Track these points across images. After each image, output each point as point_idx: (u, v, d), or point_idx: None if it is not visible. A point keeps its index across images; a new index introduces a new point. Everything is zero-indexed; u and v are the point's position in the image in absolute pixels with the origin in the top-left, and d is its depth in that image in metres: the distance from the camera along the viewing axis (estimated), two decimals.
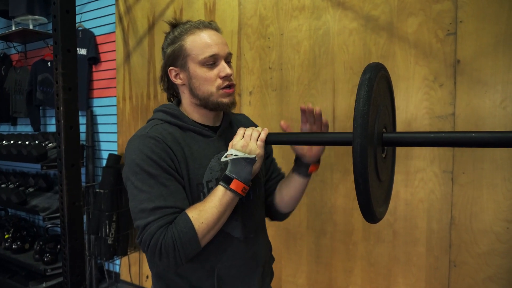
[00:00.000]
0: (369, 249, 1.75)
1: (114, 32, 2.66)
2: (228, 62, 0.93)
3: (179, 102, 1.00)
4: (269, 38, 1.97)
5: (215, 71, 0.89)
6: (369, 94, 0.62)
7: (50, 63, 3.03)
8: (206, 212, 0.81)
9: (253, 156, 0.83)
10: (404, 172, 1.65)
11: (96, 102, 2.85)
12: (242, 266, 0.94)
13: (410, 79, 1.61)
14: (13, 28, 3.00)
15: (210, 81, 0.89)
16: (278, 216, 1.12)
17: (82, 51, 2.80)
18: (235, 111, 1.10)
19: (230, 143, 0.87)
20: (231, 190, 0.82)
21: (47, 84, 3.04)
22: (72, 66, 1.27)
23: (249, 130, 0.86)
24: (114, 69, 2.69)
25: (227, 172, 0.84)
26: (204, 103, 0.92)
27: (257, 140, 0.85)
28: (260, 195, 1.03)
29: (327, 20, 1.79)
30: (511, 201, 1.45)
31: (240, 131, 0.87)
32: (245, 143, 0.84)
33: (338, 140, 0.78)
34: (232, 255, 0.92)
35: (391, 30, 1.64)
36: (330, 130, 1.77)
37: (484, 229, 1.50)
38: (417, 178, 1.63)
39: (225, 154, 0.84)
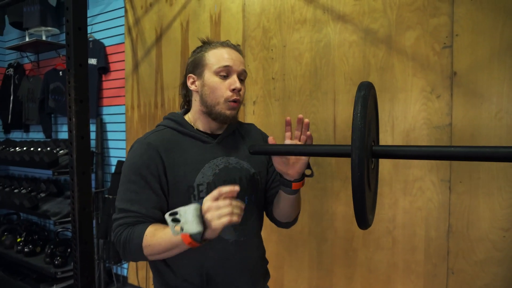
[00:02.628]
0: (368, 256, 1.79)
1: (123, 43, 2.76)
2: (241, 80, 1.01)
3: (185, 112, 1.09)
4: (272, 49, 2.04)
5: (226, 83, 0.97)
6: (364, 110, 0.68)
7: (62, 73, 3.14)
8: (157, 239, 0.86)
9: (191, 232, 0.76)
10: (403, 181, 1.69)
11: (105, 110, 2.94)
12: (231, 267, 1.00)
13: (408, 90, 1.66)
14: (27, 39, 3.12)
15: (220, 90, 0.97)
16: (281, 225, 1.17)
17: (92, 61, 2.90)
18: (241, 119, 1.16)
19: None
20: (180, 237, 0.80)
21: (59, 92, 3.15)
22: (84, 79, 1.35)
23: (223, 202, 0.78)
24: (123, 78, 2.78)
25: (182, 218, 0.79)
26: (209, 111, 1.00)
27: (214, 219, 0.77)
28: (256, 201, 1.09)
29: (328, 32, 1.85)
30: (507, 210, 1.48)
31: (217, 203, 0.79)
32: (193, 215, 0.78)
33: (337, 152, 0.83)
34: (221, 255, 0.98)
35: (389, 43, 1.69)
36: (331, 140, 1.84)
37: (481, 237, 1.53)
38: (415, 186, 1.67)
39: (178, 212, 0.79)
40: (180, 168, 0.96)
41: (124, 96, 2.78)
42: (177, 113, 1.07)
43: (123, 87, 2.78)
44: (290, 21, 1.97)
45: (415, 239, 1.68)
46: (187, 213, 0.77)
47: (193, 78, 1.02)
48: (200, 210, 0.78)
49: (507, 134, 1.46)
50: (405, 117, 1.67)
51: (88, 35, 2.94)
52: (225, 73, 0.97)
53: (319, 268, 1.94)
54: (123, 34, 2.76)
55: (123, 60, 2.77)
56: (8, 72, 3.68)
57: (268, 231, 2.12)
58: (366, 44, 1.75)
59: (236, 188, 0.79)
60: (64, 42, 3.18)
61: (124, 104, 2.78)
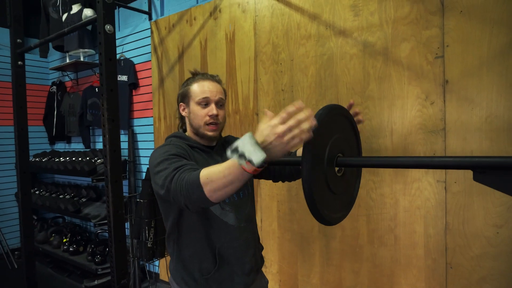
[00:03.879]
0: (373, 252, 1.93)
1: (150, 60, 3.04)
2: (220, 105, 1.25)
3: (184, 131, 1.34)
4: (281, 63, 2.23)
5: (205, 110, 1.23)
6: (316, 128, 0.85)
7: (98, 89, 3.48)
8: (214, 172, 0.87)
9: (259, 161, 0.76)
10: (402, 182, 1.82)
11: (136, 122, 3.24)
12: (237, 247, 1.22)
13: (404, 98, 1.79)
14: (67, 61, 3.50)
15: (200, 117, 1.23)
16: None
17: (123, 78, 3.22)
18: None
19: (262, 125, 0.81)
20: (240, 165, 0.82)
21: (96, 107, 3.49)
22: (114, 102, 1.60)
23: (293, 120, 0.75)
24: (151, 93, 3.06)
25: (243, 149, 0.79)
26: (197, 132, 1.26)
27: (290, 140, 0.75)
28: (249, 193, 1.33)
29: (330, 47, 2.01)
30: (500, 208, 1.57)
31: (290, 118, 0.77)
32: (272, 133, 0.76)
33: (292, 162, 1.00)
34: (229, 238, 1.21)
35: (386, 54, 1.83)
36: None
37: (476, 233, 1.63)
38: (413, 187, 1.79)
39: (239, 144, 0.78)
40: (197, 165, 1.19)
41: (152, 109, 3.06)
42: (180, 132, 1.33)
43: (151, 100, 3.06)
44: (297, 37, 2.14)
45: (415, 236, 1.80)
46: (246, 144, 0.76)
47: (184, 106, 1.29)
48: (253, 137, 0.77)
49: (497, 137, 1.56)
50: (403, 122, 1.80)
51: (120, 54, 3.27)
52: (205, 102, 1.22)
53: (329, 263, 2.09)
54: (150, 52, 3.05)
55: (150, 76, 3.05)
56: (51, 89, 4.11)
57: (282, 231, 2.30)
58: (365, 56, 1.90)
59: (301, 104, 0.77)
60: (97, 61, 3.51)
61: (152, 116, 3.07)
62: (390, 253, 1.88)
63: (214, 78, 1.28)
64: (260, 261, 1.36)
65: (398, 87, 1.80)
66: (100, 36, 1.57)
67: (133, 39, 3.22)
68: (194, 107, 1.23)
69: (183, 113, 1.29)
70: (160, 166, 1.07)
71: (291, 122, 0.75)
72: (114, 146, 1.61)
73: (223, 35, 2.51)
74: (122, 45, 3.30)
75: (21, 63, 2.21)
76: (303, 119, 0.75)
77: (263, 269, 2.38)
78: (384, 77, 1.84)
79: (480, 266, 1.63)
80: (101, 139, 3.72)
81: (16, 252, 3.94)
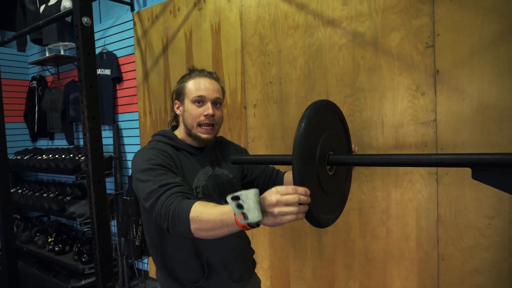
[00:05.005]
0: (366, 246, 1.91)
1: (134, 53, 2.94)
2: (217, 105, 1.17)
3: (173, 128, 1.25)
4: (268, 55, 2.16)
5: (200, 110, 1.14)
6: (306, 127, 0.80)
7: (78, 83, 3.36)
8: (207, 214, 0.84)
9: (253, 221, 0.74)
10: (394, 174, 1.79)
11: (121, 117, 3.15)
12: (226, 255, 1.17)
13: (395, 89, 1.75)
14: (47, 54, 3.36)
15: (195, 116, 1.14)
16: None
17: (106, 72, 3.11)
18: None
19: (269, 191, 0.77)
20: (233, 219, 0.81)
21: (78, 102, 3.37)
22: (95, 98, 1.52)
23: (294, 198, 0.73)
24: (135, 87, 2.97)
25: (244, 202, 0.75)
26: (190, 132, 1.17)
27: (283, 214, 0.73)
28: None
29: (319, 37, 1.96)
30: (492, 199, 1.56)
31: (289, 191, 0.74)
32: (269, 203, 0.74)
33: (282, 161, 0.96)
34: (217, 246, 1.15)
35: (376, 44, 1.79)
36: None
37: (468, 225, 1.62)
38: (405, 179, 1.77)
39: (241, 195, 0.75)
40: (182, 171, 1.13)
41: (136, 103, 2.97)
42: (167, 130, 1.23)
43: (135, 95, 2.97)
44: (284, 27, 2.08)
45: (407, 229, 1.78)
46: (248, 199, 0.73)
47: (178, 104, 1.20)
48: (259, 195, 0.74)
49: (488, 127, 1.54)
50: (394, 114, 1.77)
51: (102, 47, 3.15)
52: (200, 100, 1.14)
53: (321, 258, 2.07)
54: (133, 45, 2.94)
55: (134, 70, 2.95)
56: (32, 84, 3.96)
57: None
58: (354, 47, 1.85)
59: (308, 191, 0.76)
60: None
61: (137, 111, 2.98)
62: (383, 246, 1.86)
63: (211, 76, 1.19)
64: (252, 265, 1.32)
65: (388, 78, 1.77)
66: (76, 29, 1.48)
67: (115, 31, 3.10)
68: (188, 105, 1.15)
69: (177, 111, 1.20)
70: (144, 175, 1.01)
71: (290, 198, 0.73)
72: (96, 145, 1.53)
73: (208, 26, 2.43)
74: (104, 37, 3.18)
75: None
76: (304, 201, 0.75)
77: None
78: (374, 68, 1.80)
79: (472, 257, 1.63)
80: None
81: None
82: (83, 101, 1.49)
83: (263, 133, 2.23)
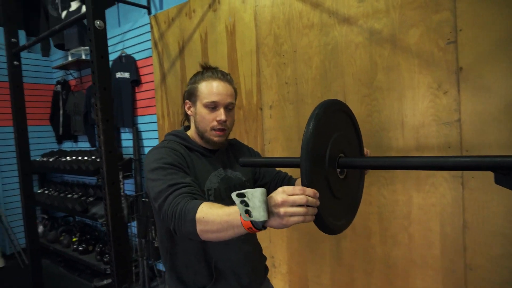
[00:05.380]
0: (386, 252, 1.83)
1: (151, 56, 2.97)
2: (229, 109, 1.14)
3: (186, 129, 1.23)
4: (283, 55, 2.12)
5: (213, 115, 1.11)
6: (314, 127, 0.76)
7: None
8: (213, 214, 0.82)
9: (257, 220, 0.71)
10: (416, 177, 1.71)
11: (140, 119, 3.19)
12: (235, 261, 1.13)
13: (415, 88, 1.67)
14: (69, 59, 3.45)
15: (207, 121, 1.12)
16: None
17: (125, 75, 3.15)
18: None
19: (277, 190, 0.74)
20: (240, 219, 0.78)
21: None
22: (108, 101, 1.53)
23: (302, 199, 0.69)
24: (153, 89, 2.99)
25: (249, 200, 0.73)
26: (202, 135, 1.15)
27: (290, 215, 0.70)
28: None
29: (334, 36, 1.90)
30: None
31: (296, 191, 0.71)
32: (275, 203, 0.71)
33: (291, 163, 0.91)
34: (227, 251, 1.12)
35: (394, 42, 1.71)
36: None
37: (497, 232, 1.52)
38: (428, 183, 1.68)
39: (247, 193, 0.72)
40: (194, 172, 1.11)
41: (155, 106, 2.99)
42: (180, 130, 1.21)
43: (154, 97, 3.00)
44: (299, 27, 2.03)
45: (431, 235, 1.69)
46: (254, 197, 0.71)
47: (189, 104, 1.17)
48: (266, 195, 0.72)
49: None
50: (414, 114, 1.68)
51: (121, 50, 3.20)
52: (212, 106, 1.11)
53: (340, 263, 2.01)
54: (150, 48, 2.97)
55: (152, 73, 2.98)
56: (56, 88, 4.08)
57: (290, 230, 2.22)
58: (371, 45, 1.78)
59: (317, 193, 0.72)
60: None
61: (155, 113, 3.00)
62: (404, 253, 1.78)
63: (225, 77, 1.15)
64: (264, 272, 1.28)
65: (407, 76, 1.68)
66: (90, 32, 1.49)
67: (133, 34, 3.15)
68: (201, 109, 1.12)
69: (189, 112, 1.18)
70: (155, 174, 1.00)
71: (297, 199, 0.69)
72: (110, 147, 1.54)
73: (223, 28, 2.41)
74: (123, 41, 3.23)
75: (17, 63, 2.16)
76: (313, 203, 0.71)
77: (273, 269, 2.31)
78: (392, 66, 1.72)
79: (502, 267, 1.52)
80: None
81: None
82: (97, 104, 1.50)
83: (280, 135, 2.19)
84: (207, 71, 1.16)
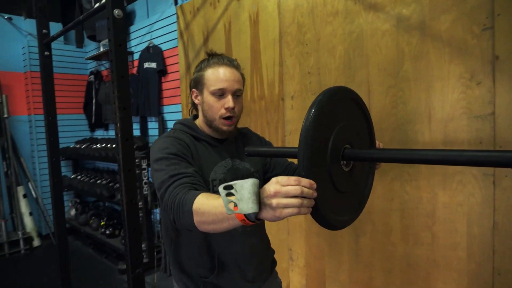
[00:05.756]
0: (407, 251, 1.74)
1: (177, 46, 2.99)
2: (237, 96, 1.10)
3: (195, 118, 1.20)
4: (307, 44, 2.05)
5: (221, 102, 1.08)
6: (316, 114, 0.71)
7: (130, 77, 3.51)
8: (209, 206, 0.80)
9: (244, 212, 0.67)
10: (442, 174, 1.60)
11: (166, 109, 3.23)
12: (240, 254, 1.11)
13: (445, 78, 1.55)
14: (101, 50, 3.55)
15: (215, 109, 1.09)
16: None
17: (153, 65, 3.20)
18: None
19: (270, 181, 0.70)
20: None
21: None
22: (125, 89, 1.54)
23: (296, 190, 0.65)
24: (179, 79, 3.02)
25: (237, 192, 0.70)
26: (210, 124, 1.12)
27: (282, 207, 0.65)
28: None
29: (360, 23, 1.81)
30: None
31: (291, 181, 0.66)
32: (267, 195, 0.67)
33: (287, 154, 0.87)
34: (231, 244, 1.10)
35: (423, 29, 1.60)
36: None
37: None
38: (455, 180, 1.57)
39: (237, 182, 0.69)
40: (199, 162, 1.09)
41: (180, 95, 3.02)
42: (188, 119, 1.19)
43: (179, 87, 3.02)
44: (323, 15, 1.95)
45: (457, 236, 1.59)
46: (244, 189, 0.67)
47: (196, 93, 1.15)
48: (258, 186, 0.69)
49: None
50: (443, 106, 1.57)
51: (149, 41, 3.25)
52: (220, 93, 1.07)
53: (358, 260, 1.94)
54: (176, 38, 2.99)
55: (178, 63, 3.00)
56: (90, 78, 4.23)
57: (309, 223, 2.17)
58: (399, 32, 1.67)
59: (314, 184, 0.68)
60: (130, 50, 3.54)
61: (180, 103, 3.03)
62: (427, 253, 1.68)
63: (232, 63, 1.12)
64: (270, 266, 1.25)
65: (437, 66, 1.57)
66: (109, 21, 1.50)
67: (160, 25, 3.18)
68: (208, 97, 1.09)
69: (196, 101, 1.16)
70: (158, 164, 0.99)
71: (291, 189, 0.64)
72: (126, 135, 1.56)
73: (247, 17, 2.37)
74: (151, 32, 3.27)
75: (48, 53, 2.24)
76: (309, 195, 0.66)
77: (290, 262, 2.28)
78: (420, 55, 1.62)
79: None
80: (136, 126, 3.79)
81: None
82: (114, 92, 1.52)
83: (301, 126, 2.13)
84: (213, 57, 1.12)
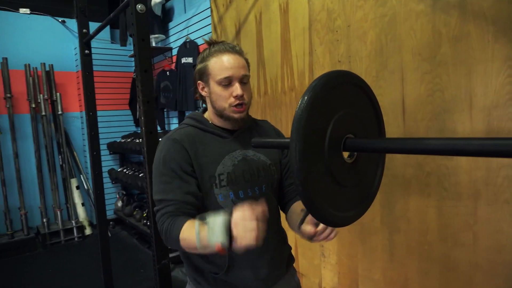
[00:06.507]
0: (446, 252, 1.60)
1: None
2: (244, 83, 1.07)
3: (205, 110, 1.18)
4: (337, 31, 1.95)
5: (229, 90, 1.05)
6: (309, 100, 0.65)
7: (169, 72, 3.61)
8: (192, 236, 0.88)
9: (211, 242, 0.81)
10: (485, 168, 1.44)
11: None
12: (251, 251, 1.06)
13: (488, 61, 1.39)
14: None
15: (224, 98, 1.06)
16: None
17: (189, 60, 3.26)
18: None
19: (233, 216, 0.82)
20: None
21: (167, 90, 3.64)
22: (149, 83, 1.57)
23: (250, 224, 0.78)
24: None
25: (210, 225, 0.83)
26: (220, 114, 1.09)
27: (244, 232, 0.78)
28: (273, 189, 1.15)
29: (392, 5, 1.67)
30: None
31: (246, 215, 0.80)
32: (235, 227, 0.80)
33: (281, 145, 0.81)
34: None
35: (463, 6, 1.44)
36: (400, 123, 1.68)
37: None
38: (500, 175, 1.40)
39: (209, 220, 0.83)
40: (203, 159, 1.07)
41: None
42: (197, 112, 1.18)
43: None
44: None
45: (502, 237, 1.42)
46: (216, 225, 0.80)
47: (202, 85, 1.12)
48: (229, 222, 0.80)
49: None
50: (486, 93, 1.41)
51: (185, 36, 3.31)
52: (226, 82, 1.04)
53: (392, 259, 1.82)
54: (210, 32, 3.01)
55: None
56: (134, 76, 4.42)
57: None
58: (435, 13, 1.52)
59: (266, 210, 0.82)
60: (169, 46, 3.63)
61: None
62: (468, 255, 1.53)
63: (234, 49, 1.09)
64: (286, 263, 1.19)
65: (479, 47, 1.41)
66: (132, 16, 1.54)
67: (196, 20, 3.22)
68: (215, 87, 1.07)
69: (203, 93, 1.13)
70: (154, 173, 1.08)
71: (248, 224, 0.79)
72: (150, 128, 1.60)
73: (277, 6, 2.31)
74: (188, 27, 3.33)
75: (88, 51, 2.36)
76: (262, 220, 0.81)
77: (322, 259, 2.21)
78: (460, 37, 1.46)
79: None
80: (174, 121, 3.90)
81: (111, 223, 4.46)
82: (138, 86, 1.56)
83: None
84: (214, 46, 1.09)
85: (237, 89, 1.04)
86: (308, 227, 0.89)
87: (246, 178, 1.09)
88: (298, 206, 1.09)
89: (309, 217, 0.89)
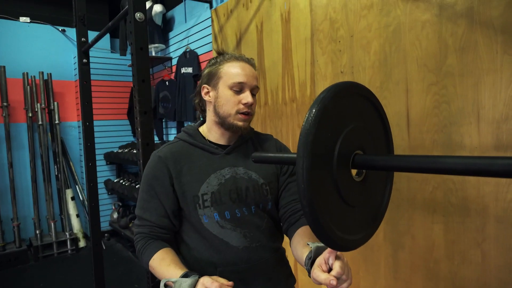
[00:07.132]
0: (453, 270, 1.53)
1: (212, 50, 2.98)
2: (253, 94, 1.05)
3: (201, 123, 1.13)
4: (339, 41, 1.92)
5: (239, 97, 1.02)
6: (318, 114, 0.60)
7: (168, 82, 3.58)
8: (160, 271, 0.94)
9: None
10: (494, 183, 1.39)
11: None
12: (244, 271, 1.00)
13: (497, 71, 1.35)
14: None
15: (232, 103, 1.02)
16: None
17: (189, 70, 3.23)
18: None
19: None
20: None
21: (166, 100, 3.60)
22: (147, 93, 1.52)
23: None
24: None
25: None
26: (222, 121, 1.04)
27: None
28: (268, 209, 1.08)
29: (397, 15, 1.64)
30: None
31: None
32: None
33: (285, 161, 0.76)
34: (232, 261, 1.00)
35: (471, 16, 1.40)
36: (404, 135, 1.63)
37: None
38: (510, 190, 1.35)
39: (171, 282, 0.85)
40: (186, 178, 1.03)
41: None
42: (192, 125, 1.13)
43: None
44: (357, 8, 1.81)
45: None
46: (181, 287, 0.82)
47: (208, 89, 1.07)
48: (194, 286, 0.82)
49: None
50: (494, 105, 1.36)
51: (185, 46, 3.29)
52: (238, 88, 1.02)
53: (396, 277, 1.75)
54: (211, 42, 2.98)
55: None
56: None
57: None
58: (442, 22, 1.49)
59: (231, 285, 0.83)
60: (169, 55, 3.60)
61: None
62: (476, 274, 1.46)
63: (249, 61, 1.08)
64: (285, 283, 1.11)
65: (487, 58, 1.37)
66: (130, 25, 1.50)
67: (196, 30, 3.20)
68: (225, 91, 1.02)
69: (206, 97, 1.07)
70: (140, 187, 1.10)
71: None
72: (147, 140, 1.54)
73: (278, 16, 2.29)
74: (188, 37, 3.31)
75: (86, 60, 2.32)
76: None
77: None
78: (467, 47, 1.42)
79: None
80: (173, 131, 3.84)
81: (105, 234, 4.36)
82: (135, 96, 1.51)
83: None
84: (227, 54, 1.08)
85: (248, 96, 1.02)
86: (321, 276, 0.74)
87: (232, 198, 1.03)
88: (303, 236, 0.97)
89: (319, 258, 0.79)
